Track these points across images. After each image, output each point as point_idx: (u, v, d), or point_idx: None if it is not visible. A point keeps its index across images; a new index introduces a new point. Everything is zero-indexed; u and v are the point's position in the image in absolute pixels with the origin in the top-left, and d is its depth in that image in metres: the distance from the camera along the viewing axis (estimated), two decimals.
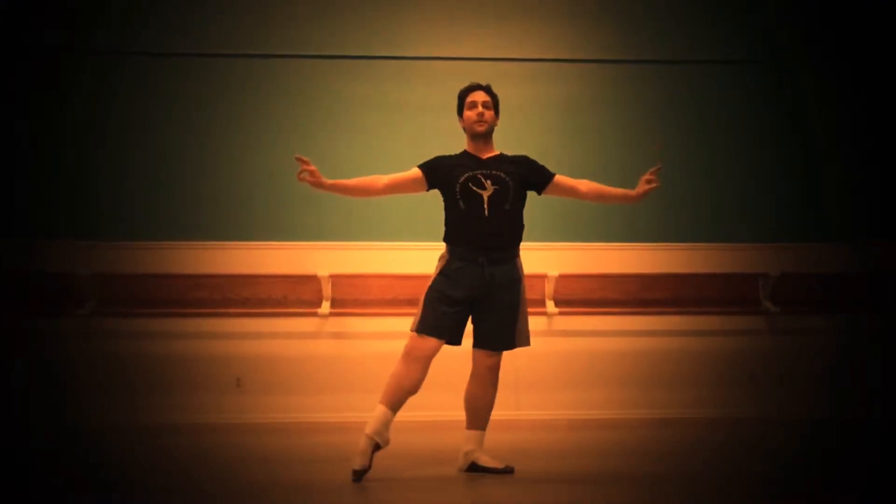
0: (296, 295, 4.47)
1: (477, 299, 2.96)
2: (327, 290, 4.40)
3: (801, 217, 4.82)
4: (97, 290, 4.34)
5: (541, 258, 4.46)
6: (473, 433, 2.99)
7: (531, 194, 3.13)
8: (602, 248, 4.64)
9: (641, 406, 4.50)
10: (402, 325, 4.41)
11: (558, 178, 3.13)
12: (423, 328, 2.92)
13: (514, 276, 2.98)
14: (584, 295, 4.56)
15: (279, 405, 4.38)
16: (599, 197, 3.20)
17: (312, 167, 2.98)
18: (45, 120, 4.63)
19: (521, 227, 3.06)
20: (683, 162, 4.83)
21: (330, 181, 3.02)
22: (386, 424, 2.87)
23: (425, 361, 2.91)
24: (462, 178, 2.99)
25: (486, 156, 3.10)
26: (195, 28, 4.76)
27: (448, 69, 4.79)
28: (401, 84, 4.81)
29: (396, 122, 4.76)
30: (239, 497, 2.61)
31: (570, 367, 4.53)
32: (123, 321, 4.39)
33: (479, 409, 3.00)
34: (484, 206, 2.95)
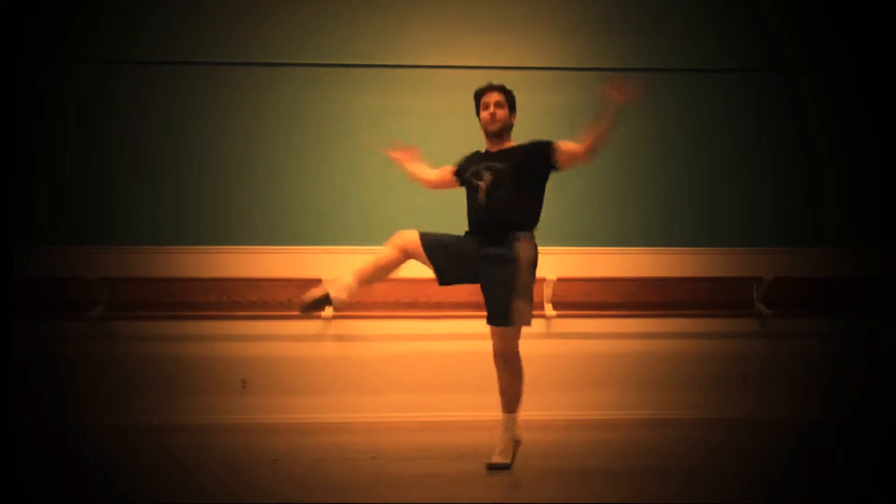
0: (300, 298, 4.45)
1: (478, 272, 3.07)
2: None
3: (794, 223, 4.84)
4: (107, 293, 4.38)
5: (539, 262, 4.47)
6: (503, 416, 3.10)
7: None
8: (599, 252, 4.66)
9: (638, 406, 4.52)
10: (404, 327, 4.47)
11: (558, 144, 3.16)
12: (422, 232, 3.08)
13: (505, 254, 3.02)
14: (582, 298, 4.59)
15: (284, 406, 4.41)
16: (595, 141, 3.04)
17: (401, 155, 3.45)
18: (55, 127, 4.65)
19: (520, 212, 3.13)
20: (680, 169, 4.84)
21: (410, 168, 3.47)
22: (348, 288, 3.01)
23: (403, 252, 3.05)
24: (467, 173, 3.20)
25: (496, 150, 3.24)
26: (205, 37, 4.79)
27: (450, 78, 4.82)
28: (404, 92, 4.84)
29: (399, 130, 4.77)
30: (244, 496, 2.62)
31: (567, 369, 4.54)
32: (132, 324, 4.42)
33: (502, 394, 3.10)
34: (480, 195, 3.11)
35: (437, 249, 3.05)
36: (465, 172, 3.23)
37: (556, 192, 4.73)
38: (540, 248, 4.43)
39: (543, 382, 4.48)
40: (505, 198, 3.09)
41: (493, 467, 2.98)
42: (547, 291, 4.48)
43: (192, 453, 3.57)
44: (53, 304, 4.37)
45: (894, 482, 2.77)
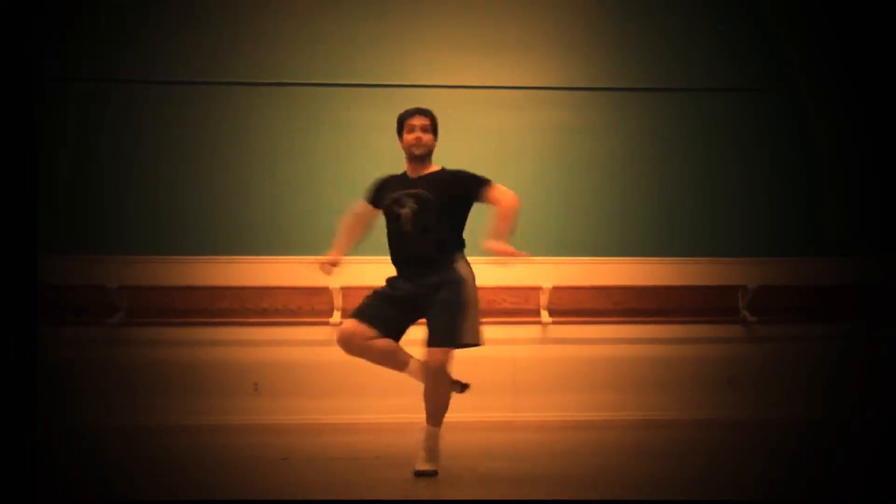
0: (309, 305, 4.49)
1: (418, 302, 2.90)
2: (338, 300, 4.40)
3: (778, 233, 4.80)
4: (126, 301, 4.35)
5: (536, 271, 4.45)
6: (427, 427, 2.89)
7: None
8: (594, 261, 4.64)
9: (630, 408, 4.47)
10: (408, 332, 4.33)
11: (492, 190, 2.95)
12: (353, 313, 2.93)
13: (447, 277, 2.89)
14: (577, 305, 4.55)
15: (294, 408, 4.37)
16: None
17: (327, 264, 3.21)
18: (79, 147, 4.62)
19: (447, 239, 2.97)
20: (672, 182, 4.77)
21: (336, 255, 3.22)
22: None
23: (351, 343, 2.88)
24: (388, 200, 3.01)
25: (417, 175, 3.05)
26: (222, 57, 4.76)
27: (449, 97, 4.80)
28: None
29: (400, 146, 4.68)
30: (256, 492, 2.64)
31: (563, 372, 4.50)
32: (150, 330, 4.39)
33: (427, 406, 2.89)
34: (405, 223, 2.93)
35: (383, 329, 2.88)
36: (385, 200, 3.02)
37: (551, 204, 4.70)
38: (537, 257, 4.43)
39: (540, 385, 4.45)
40: (432, 225, 2.91)
41: (420, 474, 2.82)
42: (543, 299, 4.46)
43: (206, 452, 3.56)
44: (75, 311, 4.34)
45: (894, 482, 2.66)
